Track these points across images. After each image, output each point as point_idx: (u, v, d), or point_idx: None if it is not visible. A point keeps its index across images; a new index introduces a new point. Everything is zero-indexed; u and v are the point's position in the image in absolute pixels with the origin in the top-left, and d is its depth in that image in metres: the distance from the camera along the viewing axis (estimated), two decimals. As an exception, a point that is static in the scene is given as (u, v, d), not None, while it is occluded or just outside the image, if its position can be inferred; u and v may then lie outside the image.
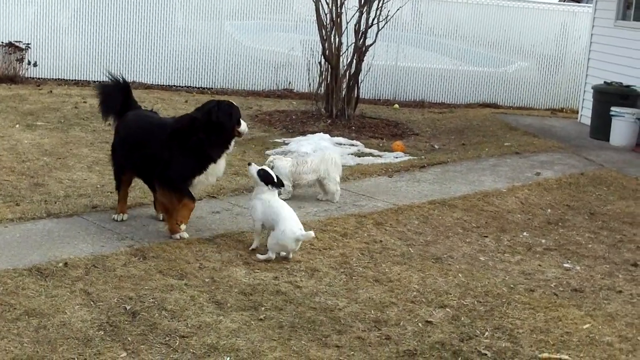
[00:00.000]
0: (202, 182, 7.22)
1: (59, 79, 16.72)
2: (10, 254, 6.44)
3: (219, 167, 7.19)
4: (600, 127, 13.52)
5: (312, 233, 6.74)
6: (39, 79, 16.54)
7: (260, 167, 7.10)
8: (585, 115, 14.93)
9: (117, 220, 7.48)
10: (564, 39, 18.57)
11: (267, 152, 11.02)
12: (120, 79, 7.89)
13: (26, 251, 6.52)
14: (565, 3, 21.83)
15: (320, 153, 9.15)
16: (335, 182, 8.60)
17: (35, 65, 16.44)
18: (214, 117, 6.94)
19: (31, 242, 6.75)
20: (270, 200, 6.92)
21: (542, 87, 18.61)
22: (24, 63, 16.20)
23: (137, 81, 16.89)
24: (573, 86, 18.05)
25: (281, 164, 8.50)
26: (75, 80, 16.76)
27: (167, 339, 5.24)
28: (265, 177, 7.00)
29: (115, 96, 7.81)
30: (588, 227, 8.60)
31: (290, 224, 6.70)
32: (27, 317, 5.37)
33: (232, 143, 7.21)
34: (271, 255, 6.73)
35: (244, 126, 7.19)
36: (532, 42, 18.61)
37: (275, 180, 7.03)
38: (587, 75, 15.44)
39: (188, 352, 5.09)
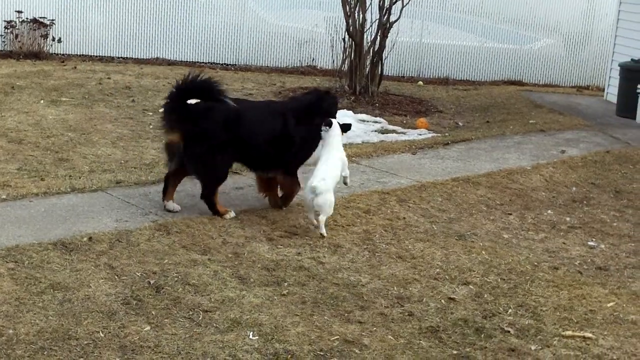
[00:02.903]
0: None
1: (83, 55, 16.75)
2: (36, 228, 6.48)
3: None
4: (627, 105, 13.36)
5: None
6: (63, 55, 16.58)
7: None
8: (612, 93, 14.74)
9: (175, 211, 7.08)
10: (591, 15, 18.34)
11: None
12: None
13: (51, 225, 6.57)
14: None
15: None
16: None
17: (59, 41, 16.47)
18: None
19: (56, 217, 6.79)
20: None
21: (568, 64, 18.41)
22: (48, 39, 16.24)
23: (161, 57, 16.92)
24: (599, 64, 17.82)
25: None
26: (99, 56, 16.79)
27: (191, 313, 5.27)
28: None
29: None
30: (613, 205, 8.53)
31: None
32: (52, 290, 5.42)
33: None
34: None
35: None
36: (558, 19, 18.39)
37: None
38: (613, 52, 15.24)
39: (211, 327, 5.11)
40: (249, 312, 5.35)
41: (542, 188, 8.90)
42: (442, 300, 5.81)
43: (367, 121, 12.16)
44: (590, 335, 5.42)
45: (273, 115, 7.28)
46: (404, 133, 11.58)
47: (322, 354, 4.93)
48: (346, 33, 14.05)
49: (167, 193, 7.16)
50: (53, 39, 16.34)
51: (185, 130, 6.88)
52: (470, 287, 6.08)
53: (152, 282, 5.67)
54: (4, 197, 7.21)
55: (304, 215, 7.21)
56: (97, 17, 16.87)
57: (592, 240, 7.40)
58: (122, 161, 8.90)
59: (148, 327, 5.04)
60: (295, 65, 17.45)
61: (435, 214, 7.71)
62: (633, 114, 13.17)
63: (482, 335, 5.32)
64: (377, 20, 14.06)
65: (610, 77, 15.25)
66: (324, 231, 6.80)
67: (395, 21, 14.11)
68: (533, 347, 5.22)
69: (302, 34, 17.53)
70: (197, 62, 17.21)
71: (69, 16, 16.65)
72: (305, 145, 7.31)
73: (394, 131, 11.69)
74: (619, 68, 13.95)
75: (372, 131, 11.50)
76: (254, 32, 17.57)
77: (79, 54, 16.74)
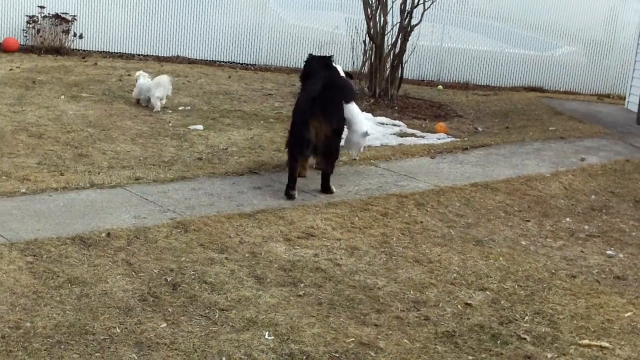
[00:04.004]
0: None
1: (104, 51, 16.85)
2: (54, 222, 6.52)
3: None
4: (648, 114, 13.30)
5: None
6: (84, 51, 16.68)
7: None
8: (633, 102, 14.67)
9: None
10: (613, 23, 18.25)
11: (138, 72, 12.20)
12: None
13: (70, 220, 6.60)
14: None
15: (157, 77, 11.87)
16: (155, 98, 11.50)
17: (81, 37, 16.56)
18: None
19: (75, 212, 6.82)
20: None
21: (589, 72, 18.34)
22: (69, 35, 16.33)
23: (182, 55, 16.98)
24: (621, 72, 17.76)
25: (141, 80, 11.77)
26: (120, 53, 16.88)
27: (207, 311, 5.28)
28: None
29: None
30: (632, 214, 8.48)
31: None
32: (69, 285, 5.44)
33: None
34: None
35: None
36: (580, 26, 18.32)
37: None
38: (635, 61, 15.16)
39: (227, 325, 5.11)
40: (265, 312, 5.35)
41: (561, 195, 8.86)
42: (459, 306, 5.79)
43: (386, 124, 12.15)
44: (607, 344, 5.39)
45: None
46: (422, 137, 11.55)
47: (337, 355, 4.92)
48: (367, 35, 14.04)
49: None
50: (74, 35, 16.43)
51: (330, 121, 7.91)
52: (487, 293, 6.06)
53: (169, 279, 5.68)
54: (23, 191, 7.26)
55: (320, 214, 7.22)
56: (119, 13, 16.94)
57: (610, 249, 7.36)
58: (141, 158, 8.93)
59: (164, 324, 5.05)
60: (315, 67, 17.39)
61: (453, 219, 7.69)
62: (654, 124, 13.11)
63: (498, 342, 5.30)
64: (398, 24, 14.04)
65: (631, 85, 15.19)
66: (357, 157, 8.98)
67: (417, 25, 14.09)
68: (549, 355, 5.20)
69: (323, 36, 17.53)
70: (217, 61, 17.28)
71: (91, 12, 16.74)
72: None
73: (412, 135, 11.67)
74: (640, 77, 13.89)
75: (390, 134, 11.48)
76: (274, 32, 17.60)
77: (99, 50, 16.84)
